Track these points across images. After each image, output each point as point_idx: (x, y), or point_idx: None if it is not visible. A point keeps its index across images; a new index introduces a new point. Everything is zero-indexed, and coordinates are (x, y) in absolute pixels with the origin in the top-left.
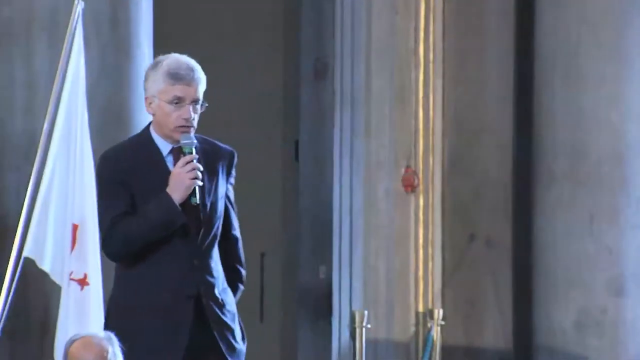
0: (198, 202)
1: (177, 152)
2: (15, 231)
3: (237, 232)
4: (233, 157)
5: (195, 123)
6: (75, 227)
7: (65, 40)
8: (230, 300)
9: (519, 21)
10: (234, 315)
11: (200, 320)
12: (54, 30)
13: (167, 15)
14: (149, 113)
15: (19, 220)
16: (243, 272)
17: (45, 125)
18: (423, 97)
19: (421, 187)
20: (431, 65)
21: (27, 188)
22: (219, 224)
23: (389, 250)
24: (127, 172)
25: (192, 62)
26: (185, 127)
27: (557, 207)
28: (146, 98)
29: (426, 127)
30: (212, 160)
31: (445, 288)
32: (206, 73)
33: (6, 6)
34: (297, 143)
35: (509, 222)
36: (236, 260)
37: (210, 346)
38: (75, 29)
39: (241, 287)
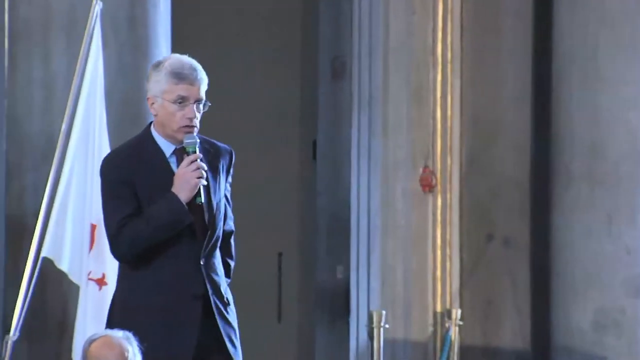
0: (203, 201)
1: (181, 153)
2: (34, 231)
3: (231, 225)
4: (232, 155)
5: (198, 123)
6: (93, 227)
7: (84, 40)
8: (231, 299)
9: (536, 21)
10: (235, 315)
11: (207, 319)
12: (72, 30)
13: (185, 15)
14: (152, 114)
15: (37, 220)
16: (232, 264)
17: (64, 125)
18: (440, 97)
19: (439, 187)
20: (449, 65)
21: (45, 188)
22: (222, 223)
23: (406, 250)
24: (131, 173)
25: (195, 62)
26: (189, 127)
27: (575, 207)
28: (148, 98)
29: (444, 127)
30: (214, 159)
31: (463, 288)
32: (224, 72)
33: (24, 6)
34: (314, 143)
35: (526, 222)
36: (228, 254)
37: (216, 345)
38: (93, 28)
39: (228, 280)
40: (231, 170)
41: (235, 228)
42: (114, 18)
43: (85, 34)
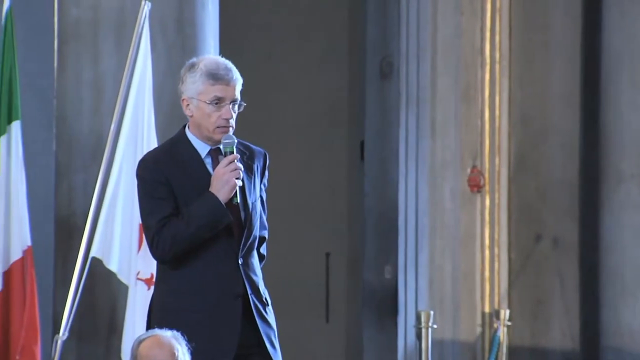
0: (239, 201)
1: (216, 154)
2: (83, 231)
3: (264, 233)
4: (266, 158)
5: (234, 123)
6: (142, 227)
7: (132, 41)
8: (270, 300)
9: (585, 19)
10: (273, 315)
11: (246, 320)
12: (121, 30)
13: (233, 16)
14: (187, 115)
15: (86, 220)
16: (261, 264)
17: (112, 126)
18: (489, 97)
19: (487, 187)
20: (497, 64)
21: (94, 188)
22: (258, 223)
23: (454, 250)
24: (168, 174)
25: (229, 63)
26: (225, 128)
27: (625, 207)
28: (183, 100)
29: (492, 127)
30: (248, 160)
31: (511, 288)
32: (271, 73)
33: (73, 7)
34: (362, 143)
35: (575, 222)
36: (260, 258)
37: (255, 346)
38: (142, 29)
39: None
40: (266, 173)
41: (282, 229)
42: (163, 19)
43: (134, 34)
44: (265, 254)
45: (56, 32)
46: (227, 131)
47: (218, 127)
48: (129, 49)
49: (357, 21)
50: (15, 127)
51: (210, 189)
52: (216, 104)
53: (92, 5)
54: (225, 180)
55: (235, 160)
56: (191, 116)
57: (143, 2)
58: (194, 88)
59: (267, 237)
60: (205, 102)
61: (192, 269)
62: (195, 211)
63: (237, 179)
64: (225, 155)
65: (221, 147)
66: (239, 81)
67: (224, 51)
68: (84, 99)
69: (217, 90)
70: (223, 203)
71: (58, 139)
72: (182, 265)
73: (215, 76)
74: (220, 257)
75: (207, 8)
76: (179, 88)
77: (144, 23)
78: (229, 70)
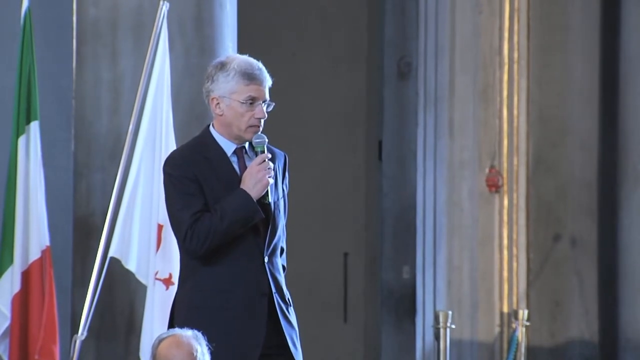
0: (270, 200)
1: (241, 153)
2: (101, 231)
3: (283, 243)
4: (286, 160)
5: (263, 123)
6: (160, 227)
7: (151, 41)
8: (291, 300)
9: (603, 19)
10: (295, 316)
11: (270, 318)
12: (139, 30)
13: (251, 15)
14: (216, 114)
15: (104, 220)
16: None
17: (131, 126)
18: (507, 97)
19: (505, 187)
20: (515, 64)
21: (112, 188)
22: (283, 223)
23: (472, 250)
24: (196, 171)
25: (259, 63)
26: (257, 127)
27: None
28: (213, 99)
29: (510, 127)
30: (271, 160)
31: (529, 288)
32: (290, 73)
33: (92, 7)
34: (380, 143)
35: (594, 222)
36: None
37: (277, 346)
38: (160, 29)
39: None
40: (286, 175)
41: (300, 230)
42: (181, 19)
43: (152, 34)
44: (285, 265)
45: (74, 33)
46: (258, 130)
47: (250, 126)
48: (147, 49)
49: (375, 21)
50: (34, 127)
51: (242, 186)
52: (250, 103)
53: (110, 5)
54: (259, 178)
55: (266, 160)
56: (221, 115)
57: (161, 2)
58: (226, 87)
59: (285, 248)
60: (239, 101)
61: (219, 267)
62: (229, 206)
63: (269, 177)
64: (256, 154)
65: (247, 145)
66: (269, 81)
67: (245, 51)
68: (103, 99)
69: (252, 90)
70: (255, 200)
71: (76, 139)
72: (209, 263)
73: (250, 76)
74: (246, 254)
75: (225, 8)
76: (205, 87)
77: (162, 23)
78: (261, 70)
